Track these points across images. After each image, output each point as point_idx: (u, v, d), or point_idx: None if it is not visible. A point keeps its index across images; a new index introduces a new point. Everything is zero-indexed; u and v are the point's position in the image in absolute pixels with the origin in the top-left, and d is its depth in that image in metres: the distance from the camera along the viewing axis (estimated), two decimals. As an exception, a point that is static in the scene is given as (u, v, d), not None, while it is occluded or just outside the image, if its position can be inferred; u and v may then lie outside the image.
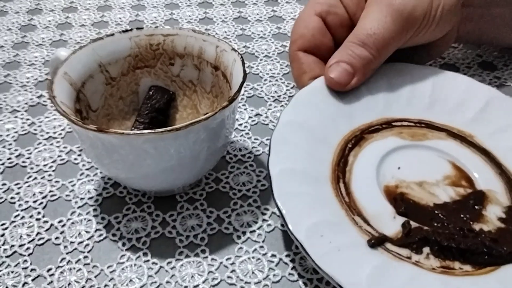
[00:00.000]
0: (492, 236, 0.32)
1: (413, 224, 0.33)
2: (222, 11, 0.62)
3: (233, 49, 0.37)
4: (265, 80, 0.51)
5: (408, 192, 0.35)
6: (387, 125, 0.40)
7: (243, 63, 0.35)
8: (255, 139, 0.44)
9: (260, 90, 0.49)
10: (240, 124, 0.45)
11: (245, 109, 0.47)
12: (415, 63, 0.47)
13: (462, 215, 0.34)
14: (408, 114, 0.41)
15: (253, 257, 0.34)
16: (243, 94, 0.49)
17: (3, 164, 0.41)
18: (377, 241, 0.32)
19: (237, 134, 0.44)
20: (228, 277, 0.33)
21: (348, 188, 0.35)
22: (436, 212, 0.34)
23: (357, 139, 0.38)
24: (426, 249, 0.32)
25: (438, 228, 0.32)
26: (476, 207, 0.34)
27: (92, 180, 0.40)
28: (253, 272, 0.33)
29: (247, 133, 0.44)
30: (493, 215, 0.34)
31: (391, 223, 0.33)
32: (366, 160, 0.37)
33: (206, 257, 0.34)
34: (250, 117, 0.46)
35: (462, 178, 0.36)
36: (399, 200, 0.34)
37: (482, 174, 0.37)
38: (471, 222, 0.33)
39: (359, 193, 0.35)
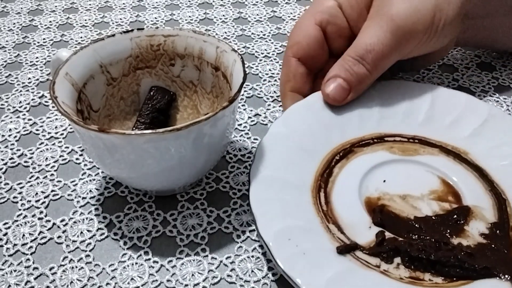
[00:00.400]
0: (469, 251, 0.32)
1: (389, 235, 0.33)
2: (222, 12, 0.63)
3: (233, 50, 0.37)
4: (264, 80, 0.51)
5: (390, 204, 0.35)
6: (379, 139, 0.40)
7: (243, 64, 0.35)
8: (254, 139, 0.44)
9: (260, 90, 0.50)
10: (240, 124, 0.45)
11: (245, 109, 0.47)
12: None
13: (442, 229, 0.34)
14: (402, 130, 0.41)
15: (252, 256, 0.34)
16: (242, 94, 0.49)
17: (5, 164, 0.42)
18: (346, 248, 0.32)
19: (237, 134, 0.44)
20: (228, 275, 0.33)
21: (328, 198, 0.36)
22: (414, 224, 0.34)
23: (346, 152, 0.39)
24: (397, 259, 0.32)
25: (413, 240, 0.32)
26: (459, 222, 0.34)
27: (93, 179, 0.40)
28: (252, 271, 0.34)
29: (247, 133, 0.45)
30: (475, 230, 0.34)
31: (366, 233, 0.33)
32: (351, 172, 0.37)
33: (206, 255, 0.34)
34: (249, 117, 0.46)
35: (450, 193, 0.36)
36: (377, 211, 0.34)
37: (471, 190, 0.36)
38: (450, 236, 0.33)
39: (338, 202, 0.35)
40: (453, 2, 0.40)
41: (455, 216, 0.34)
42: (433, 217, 0.35)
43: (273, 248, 0.31)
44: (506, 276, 0.30)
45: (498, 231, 0.33)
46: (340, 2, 0.42)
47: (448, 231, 0.33)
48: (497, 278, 0.30)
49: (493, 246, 0.33)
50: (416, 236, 0.33)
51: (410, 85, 0.43)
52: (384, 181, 0.37)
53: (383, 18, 0.39)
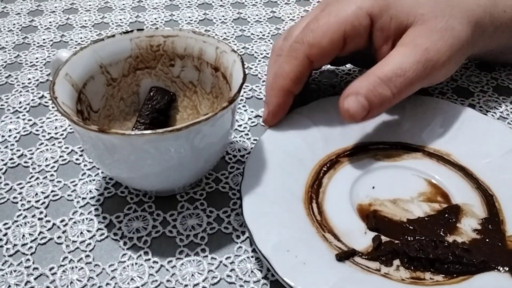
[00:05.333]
0: (465, 246, 0.32)
1: (384, 238, 0.34)
2: (221, 12, 0.63)
3: (233, 50, 0.37)
4: (264, 81, 0.51)
5: (382, 209, 0.36)
6: (363, 148, 0.41)
7: (243, 64, 0.36)
8: (254, 139, 0.44)
9: (259, 92, 0.50)
10: (240, 125, 0.46)
11: (245, 110, 0.47)
12: None
13: (435, 228, 0.34)
14: (384, 137, 0.42)
15: (252, 256, 0.34)
16: (242, 95, 0.49)
17: (5, 164, 0.42)
18: (345, 255, 0.32)
19: (237, 135, 0.45)
20: (228, 276, 0.33)
21: (321, 208, 0.36)
22: (408, 226, 0.35)
23: (332, 162, 0.39)
24: (396, 261, 0.33)
25: (410, 241, 0.33)
26: (451, 220, 0.35)
27: (93, 180, 0.40)
28: (252, 271, 0.34)
29: (247, 134, 0.45)
30: (468, 227, 0.35)
31: (362, 239, 0.34)
32: (340, 181, 0.38)
33: (206, 256, 0.34)
34: (249, 118, 0.46)
35: (438, 194, 0.37)
36: (371, 216, 0.35)
37: (458, 189, 0.37)
38: (444, 235, 0.34)
39: (331, 212, 0.36)
40: (475, 45, 0.41)
41: (446, 215, 0.35)
42: (426, 218, 0.35)
43: (273, 261, 0.31)
44: (505, 267, 0.31)
45: (490, 226, 0.35)
46: (374, 19, 0.39)
47: (442, 230, 0.34)
48: (496, 270, 0.31)
49: (487, 240, 0.34)
50: (412, 237, 0.33)
51: None
52: (373, 187, 0.38)
53: (417, 48, 0.38)
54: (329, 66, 0.52)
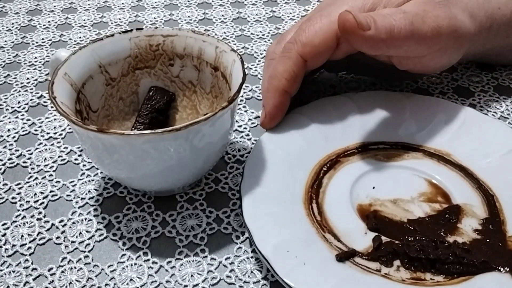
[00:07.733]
0: (465, 247, 0.32)
1: (385, 239, 0.33)
2: (221, 12, 0.62)
3: (233, 50, 0.37)
4: (264, 80, 0.51)
5: (382, 209, 0.36)
6: (363, 148, 0.41)
7: (243, 64, 0.35)
8: (254, 140, 0.44)
9: (259, 92, 0.50)
10: (240, 126, 0.45)
11: (245, 111, 0.47)
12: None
13: (436, 229, 0.34)
14: (384, 137, 0.42)
15: (251, 257, 0.34)
16: (242, 96, 0.49)
17: (4, 164, 0.42)
18: (345, 255, 0.32)
19: (237, 135, 0.44)
20: (227, 276, 0.33)
21: (321, 208, 0.36)
22: (409, 227, 0.35)
23: (332, 162, 0.39)
24: (397, 262, 0.32)
25: (410, 241, 0.33)
26: (451, 220, 0.35)
27: (92, 180, 0.40)
28: (252, 272, 0.33)
29: (247, 135, 0.44)
30: (468, 227, 0.34)
31: (362, 239, 0.34)
32: (340, 181, 0.38)
33: (206, 256, 0.34)
34: (250, 119, 0.46)
35: (438, 194, 0.37)
36: (371, 216, 0.35)
37: (458, 189, 0.37)
38: (444, 235, 0.34)
39: (331, 212, 0.36)
40: (473, 40, 0.41)
41: (447, 215, 0.35)
42: (426, 218, 0.35)
43: (273, 261, 0.31)
44: (506, 268, 0.31)
45: (490, 226, 0.34)
46: None
47: (442, 230, 0.34)
48: (496, 271, 0.31)
49: (487, 240, 0.33)
50: (412, 237, 0.33)
51: (387, 94, 0.45)
52: (374, 187, 0.38)
53: (406, 9, 0.38)
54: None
